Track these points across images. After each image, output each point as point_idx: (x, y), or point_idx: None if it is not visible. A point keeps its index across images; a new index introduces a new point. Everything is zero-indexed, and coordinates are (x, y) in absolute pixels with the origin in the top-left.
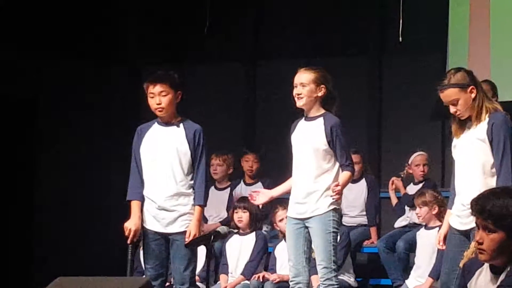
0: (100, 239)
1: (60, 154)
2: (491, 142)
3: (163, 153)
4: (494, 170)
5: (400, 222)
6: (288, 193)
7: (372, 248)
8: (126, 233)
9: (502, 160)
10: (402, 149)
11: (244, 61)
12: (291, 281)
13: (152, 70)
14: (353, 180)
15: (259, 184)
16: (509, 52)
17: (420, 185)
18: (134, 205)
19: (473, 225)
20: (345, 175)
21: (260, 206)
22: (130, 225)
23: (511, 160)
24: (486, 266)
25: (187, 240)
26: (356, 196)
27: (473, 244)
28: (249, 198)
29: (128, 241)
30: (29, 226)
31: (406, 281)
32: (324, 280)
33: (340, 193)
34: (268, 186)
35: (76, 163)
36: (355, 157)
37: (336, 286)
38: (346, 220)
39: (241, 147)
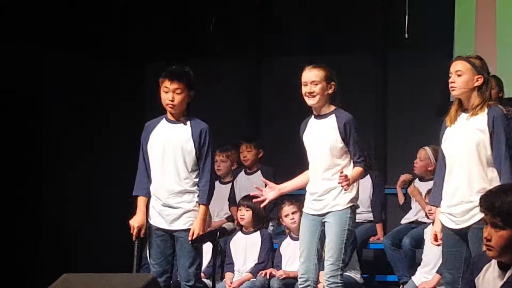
0: (105, 236)
1: (64, 151)
2: (491, 134)
3: (169, 150)
4: (490, 161)
5: (407, 218)
6: (298, 189)
7: (378, 244)
8: (131, 230)
9: (504, 152)
10: (407, 145)
11: (248, 58)
12: (300, 278)
13: (156, 66)
14: None
15: (259, 173)
16: None
17: (429, 182)
18: (140, 201)
19: (469, 223)
20: (356, 170)
21: (266, 204)
22: (134, 222)
23: (510, 154)
24: (493, 262)
25: (191, 239)
26: (362, 192)
27: None
28: (257, 194)
29: (133, 238)
30: (34, 222)
31: (412, 277)
32: (329, 277)
33: (347, 181)
34: (267, 174)
35: (81, 160)
36: None
37: (340, 284)
38: None
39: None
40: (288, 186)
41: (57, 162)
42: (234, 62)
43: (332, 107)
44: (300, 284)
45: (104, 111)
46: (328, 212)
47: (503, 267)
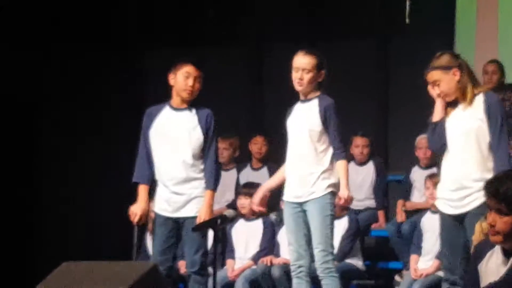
0: (105, 223)
1: (63, 138)
2: (488, 120)
3: (175, 138)
4: (489, 150)
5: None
6: (283, 182)
7: (380, 231)
8: (132, 218)
9: (500, 139)
10: (409, 132)
11: (249, 44)
12: (292, 265)
13: (156, 53)
14: (361, 163)
15: (265, 169)
16: None
17: (429, 170)
18: (141, 189)
19: (466, 209)
20: (341, 167)
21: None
22: (136, 209)
23: (507, 140)
24: (497, 248)
25: None
26: (364, 179)
27: (477, 227)
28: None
29: (135, 224)
30: (33, 210)
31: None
32: (321, 264)
33: (348, 200)
34: (275, 171)
35: (80, 146)
36: (363, 140)
37: (333, 269)
38: (353, 204)
39: (247, 131)
40: (271, 183)
41: (56, 149)
42: (234, 49)
43: (318, 92)
44: (293, 271)
45: (105, 97)
46: (307, 201)
47: (507, 254)
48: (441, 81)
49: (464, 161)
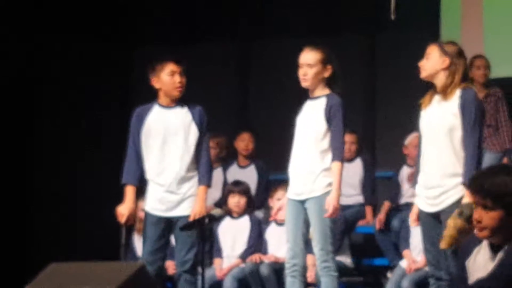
0: (94, 223)
1: (56, 138)
2: (462, 117)
3: (170, 135)
4: (461, 146)
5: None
6: None
7: (367, 227)
8: (119, 218)
9: (472, 135)
10: (397, 128)
11: (237, 40)
12: (287, 263)
13: (146, 51)
14: (349, 159)
15: (253, 167)
16: (502, 28)
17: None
18: (128, 189)
19: (442, 206)
20: (335, 169)
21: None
22: (124, 210)
23: (479, 137)
24: (484, 244)
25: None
26: (352, 175)
27: (450, 222)
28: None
29: (122, 225)
30: (20, 212)
31: (400, 262)
32: (320, 262)
33: (334, 213)
34: (262, 169)
35: (68, 147)
36: (350, 137)
37: (332, 268)
38: (341, 200)
39: (234, 128)
40: None
41: (47, 147)
42: (223, 44)
43: (327, 91)
44: (288, 269)
45: (98, 94)
46: (307, 199)
47: (494, 249)
48: (431, 56)
49: (438, 157)
